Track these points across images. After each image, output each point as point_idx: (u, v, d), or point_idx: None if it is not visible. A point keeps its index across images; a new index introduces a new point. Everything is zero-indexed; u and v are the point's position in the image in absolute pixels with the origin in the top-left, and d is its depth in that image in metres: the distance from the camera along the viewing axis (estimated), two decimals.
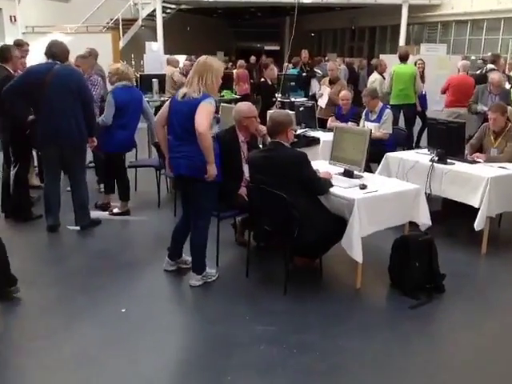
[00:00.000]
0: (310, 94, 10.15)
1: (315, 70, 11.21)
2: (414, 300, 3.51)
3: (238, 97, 9.58)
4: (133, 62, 14.79)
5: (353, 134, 4.04)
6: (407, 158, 4.95)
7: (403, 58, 8.49)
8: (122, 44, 15.34)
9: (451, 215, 5.16)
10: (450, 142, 4.68)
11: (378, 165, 5.50)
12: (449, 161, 4.69)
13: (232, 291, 3.67)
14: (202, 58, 3.52)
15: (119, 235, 4.88)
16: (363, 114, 6.57)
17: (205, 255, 3.74)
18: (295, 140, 5.67)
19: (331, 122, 6.84)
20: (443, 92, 8.50)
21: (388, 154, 5.21)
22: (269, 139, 3.77)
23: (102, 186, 6.27)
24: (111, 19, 15.99)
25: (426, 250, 3.64)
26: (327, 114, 7.13)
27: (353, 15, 22.44)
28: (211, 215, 3.76)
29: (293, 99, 8.18)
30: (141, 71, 13.16)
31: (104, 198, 5.45)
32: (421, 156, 4.95)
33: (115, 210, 5.31)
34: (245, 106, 4.13)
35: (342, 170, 4.14)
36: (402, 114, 8.31)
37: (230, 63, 16.89)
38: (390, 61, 9.54)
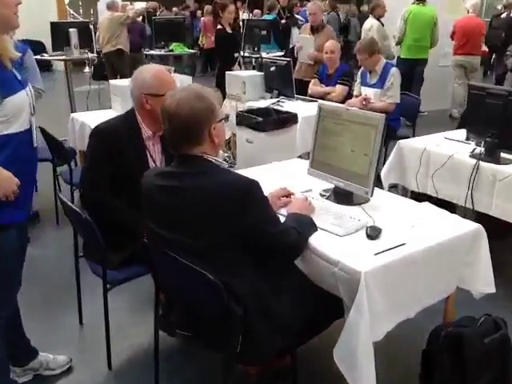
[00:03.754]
0: (291, 46, 8.18)
1: (296, 16, 9.18)
2: None
3: (193, 51, 7.52)
4: (80, 11, 12.46)
5: (352, 123, 2.17)
6: (434, 148, 3.12)
7: None
8: None
9: (492, 237, 3.35)
10: (507, 127, 2.85)
11: None
12: (503, 156, 2.89)
13: None
14: None
15: None
16: (358, 75, 4.70)
17: None
18: (259, 120, 3.81)
19: (313, 86, 4.97)
20: (452, 37, 7.09)
21: (402, 141, 3.37)
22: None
23: None
24: None
25: (498, 359, 1.88)
26: (309, 75, 5.22)
27: None
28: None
29: (264, 54, 6.19)
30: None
31: None
32: (456, 146, 3.13)
33: None
34: (150, 73, 2.22)
35: (330, 186, 2.32)
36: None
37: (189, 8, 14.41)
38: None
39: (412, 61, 6.62)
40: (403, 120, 4.98)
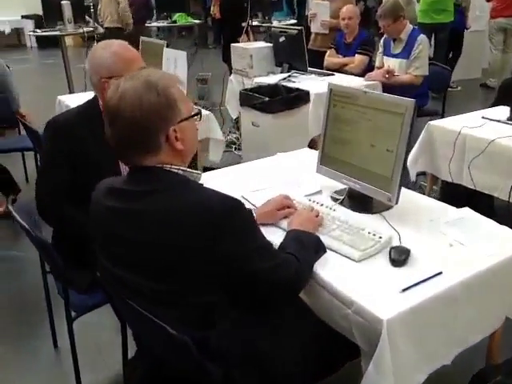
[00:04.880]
0: (307, 13, 7.57)
1: None
2: None
3: (198, 21, 6.97)
4: None
5: (372, 110, 1.71)
6: (471, 132, 2.63)
7: None
8: None
9: None
10: None
11: None
12: None
13: None
14: None
15: None
16: (380, 43, 4.17)
17: None
18: (265, 100, 3.33)
19: (329, 57, 4.47)
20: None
21: (432, 123, 2.87)
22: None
23: None
24: None
25: None
26: (326, 45, 4.69)
27: None
28: None
29: (275, 23, 5.65)
30: None
31: None
32: (497, 128, 2.63)
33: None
34: (109, 52, 1.77)
35: (343, 186, 1.87)
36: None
37: None
38: None
39: (429, 26, 5.86)
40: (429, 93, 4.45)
